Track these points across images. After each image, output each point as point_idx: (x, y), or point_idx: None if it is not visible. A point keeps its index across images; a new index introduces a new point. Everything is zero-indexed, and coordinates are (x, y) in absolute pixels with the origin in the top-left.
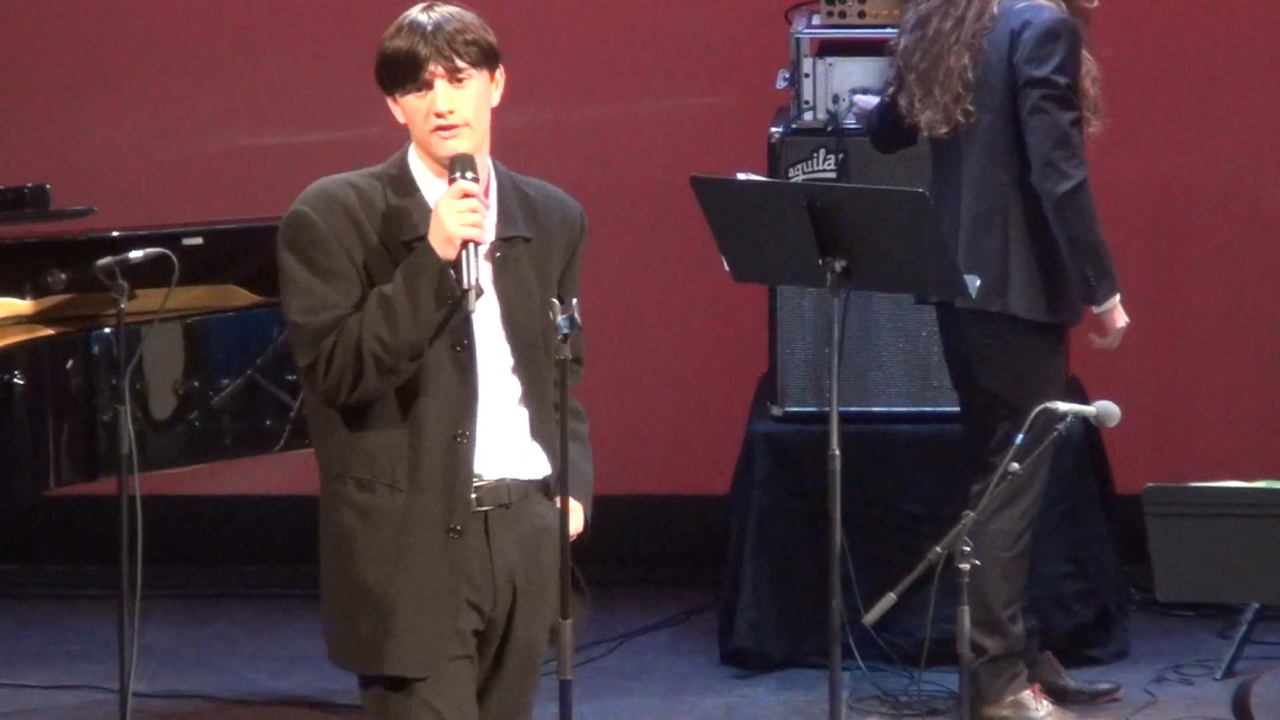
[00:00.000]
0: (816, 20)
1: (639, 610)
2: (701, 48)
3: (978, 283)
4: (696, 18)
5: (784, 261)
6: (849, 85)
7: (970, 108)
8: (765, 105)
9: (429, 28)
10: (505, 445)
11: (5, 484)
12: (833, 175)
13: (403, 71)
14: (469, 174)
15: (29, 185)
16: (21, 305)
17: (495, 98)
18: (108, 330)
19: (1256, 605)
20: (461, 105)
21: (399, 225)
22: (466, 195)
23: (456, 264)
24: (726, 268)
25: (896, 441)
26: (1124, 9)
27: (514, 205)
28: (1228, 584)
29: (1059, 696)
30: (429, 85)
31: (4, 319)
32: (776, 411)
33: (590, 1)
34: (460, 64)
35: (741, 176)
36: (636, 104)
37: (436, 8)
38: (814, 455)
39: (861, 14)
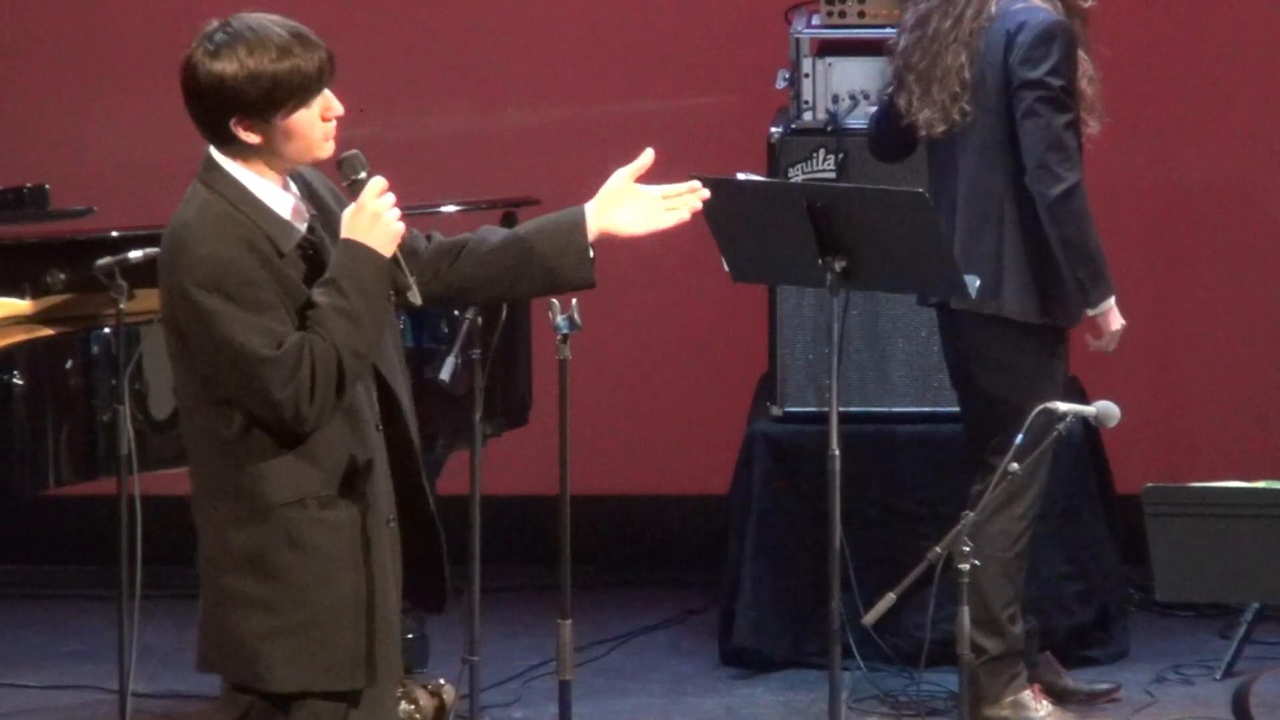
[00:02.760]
0: (816, 20)
1: (639, 610)
2: (701, 48)
3: (978, 283)
4: (696, 18)
5: (784, 261)
6: (849, 85)
7: (967, 107)
8: (765, 105)
9: (308, 34)
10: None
11: (4, 484)
12: (832, 175)
13: (313, 86)
14: (365, 171)
15: (29, 185)
16: (21, 305)
17: None
18: (107, 330)
19: (1256, 605)
20: None
21: (275, 239)
22: (385, 190)
23: (397, 259)
24: (726, 268)
25: (896, 441)
26: (1123, 9)
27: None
28: (1228, 584)
29: (1059, 696)
30: (324, 90)
31: (4, 319)
32: (776, 411)
33: (590, 1)
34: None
35: (741, 176)
36: (636, 104)
37: (270, 14)
38: (814, 455)
39: (861, 14)
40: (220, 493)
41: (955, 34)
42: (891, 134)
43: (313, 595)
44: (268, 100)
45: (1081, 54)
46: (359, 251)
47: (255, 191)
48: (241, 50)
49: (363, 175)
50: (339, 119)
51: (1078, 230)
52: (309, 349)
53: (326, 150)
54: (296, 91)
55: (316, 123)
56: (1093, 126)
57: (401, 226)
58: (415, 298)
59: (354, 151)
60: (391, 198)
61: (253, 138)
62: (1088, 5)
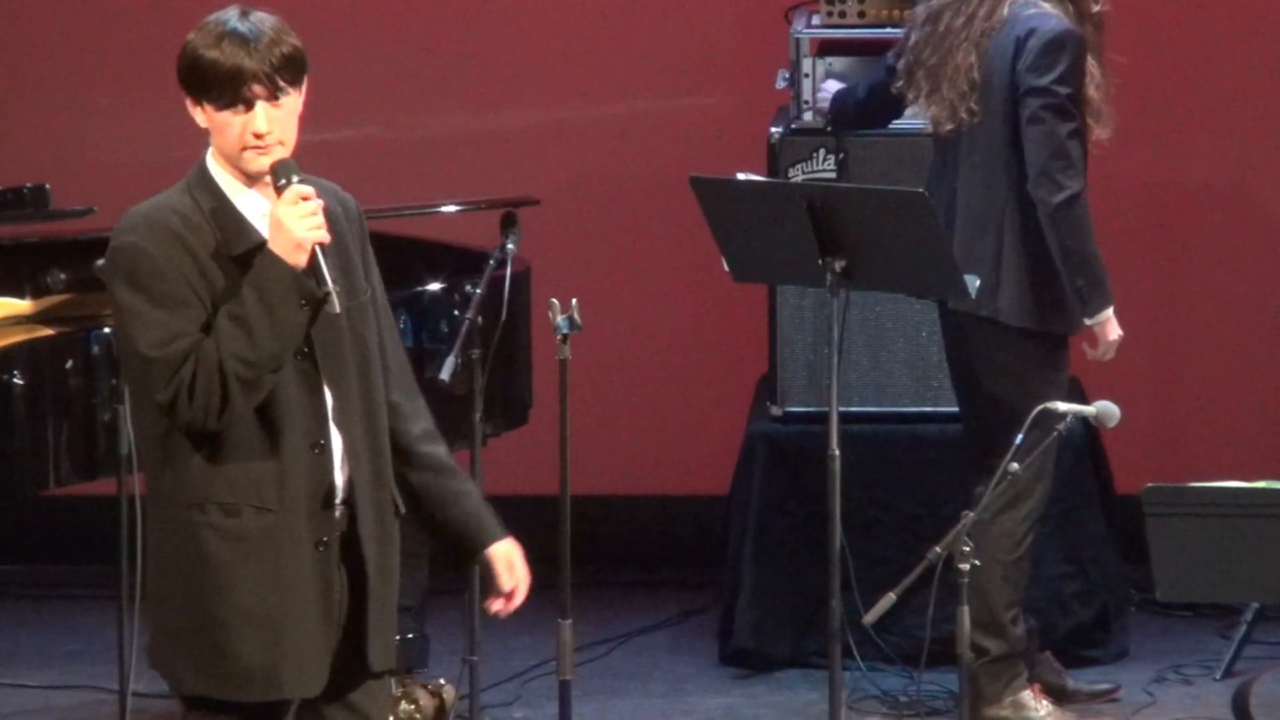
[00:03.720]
0: (816, 20)
1: (639, 610)
2: (701, 48)
3: (977, 283)
4: (696, 18)
5: (784, 261)
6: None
7: (974, 107)
8: (765, 105)
9: (253, 41)
10: (343, 450)
11: (4, 484)
12: (833, 175)
13: (220, 86)
14: (295, 176)
15: (29, 185)
16: (21, 305)
17: (300, 107)
18: (107, 330)
19: (1256, 605)
20: (278, 125)
21: (225, 241)
22: (304, 198)
23: (314, 267)
24: (726, 268)
25: (896, 441)
26: (1123, 10)
27: None
28: (1228, 584)
29: (1059, 696)
30: (249, 104)
31: (4, 319)
32: (776, 411)
33: (590, 1)
34: (282, 83)
35: (741, 176)
36: (636, 104)
37: (252, 15)
38: (814, 455)
39: (861, 14)
40: (150, 491)
41: (966, 33)
42: (870, 112)
43: (207, 602)
44: (188, 79)
45: (1091, 60)
46: (264, 258)
47: (228, 192)
48: (202, 28)
49: (291, 179)
50: (271, 143)
51: (1077, 239)
52: (198, 353)
53: (246, 165)
54: (213, 83)
55: (231, 130)
56: (1099, 132)
57: (315, 235)
58: (334, 306)
59: (285, 158)
60: (309, 207)
61: (198, 116)
62: (1097, 9)
